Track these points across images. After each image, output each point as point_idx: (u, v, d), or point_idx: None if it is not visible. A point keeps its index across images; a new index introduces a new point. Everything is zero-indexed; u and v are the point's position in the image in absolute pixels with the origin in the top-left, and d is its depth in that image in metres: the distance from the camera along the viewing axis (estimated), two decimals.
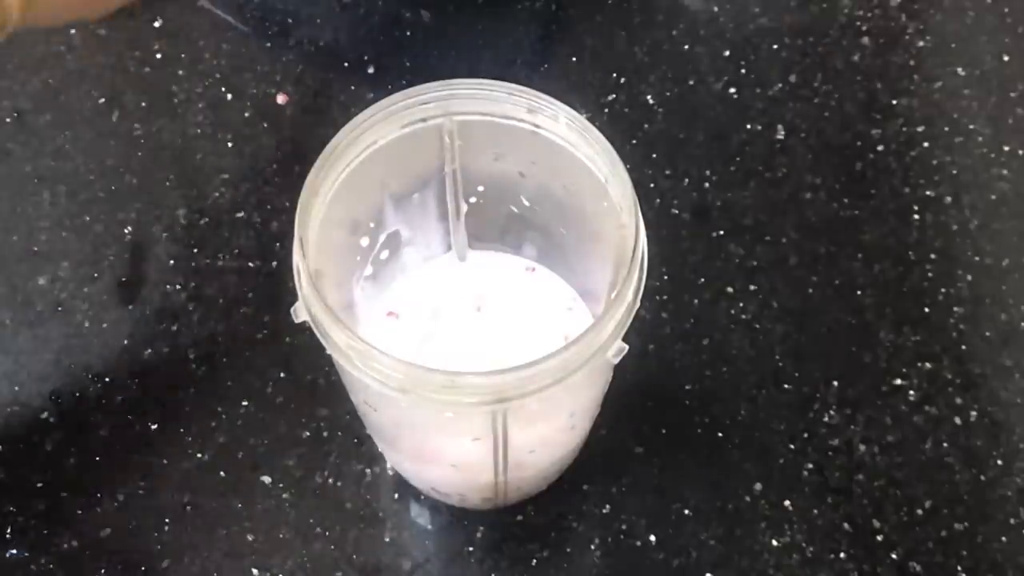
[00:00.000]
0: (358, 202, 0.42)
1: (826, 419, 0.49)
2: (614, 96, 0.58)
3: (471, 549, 0.47)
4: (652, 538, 0.47)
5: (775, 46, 0.60)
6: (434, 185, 0.44)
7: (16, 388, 0.50)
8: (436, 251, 0.47)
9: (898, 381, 0.50)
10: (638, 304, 0.37)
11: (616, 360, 0.37)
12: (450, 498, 0.47)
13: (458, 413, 0.37)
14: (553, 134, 0.40)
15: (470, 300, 0.46)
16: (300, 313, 0.37)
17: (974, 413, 0.49)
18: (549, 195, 0.43)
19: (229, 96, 0.58)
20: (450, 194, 0.44)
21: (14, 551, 0.46)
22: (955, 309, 0.52)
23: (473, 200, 0.45)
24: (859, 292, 0.53)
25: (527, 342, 0.44)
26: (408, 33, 0.60)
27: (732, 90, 0.58)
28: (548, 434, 0.42)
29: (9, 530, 0.47)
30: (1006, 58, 0.60)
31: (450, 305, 0.46)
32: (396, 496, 0.48)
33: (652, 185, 0.55)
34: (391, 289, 0.47)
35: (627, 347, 0.37)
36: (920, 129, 0.57)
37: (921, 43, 0.60)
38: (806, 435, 0.49)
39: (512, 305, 0.46)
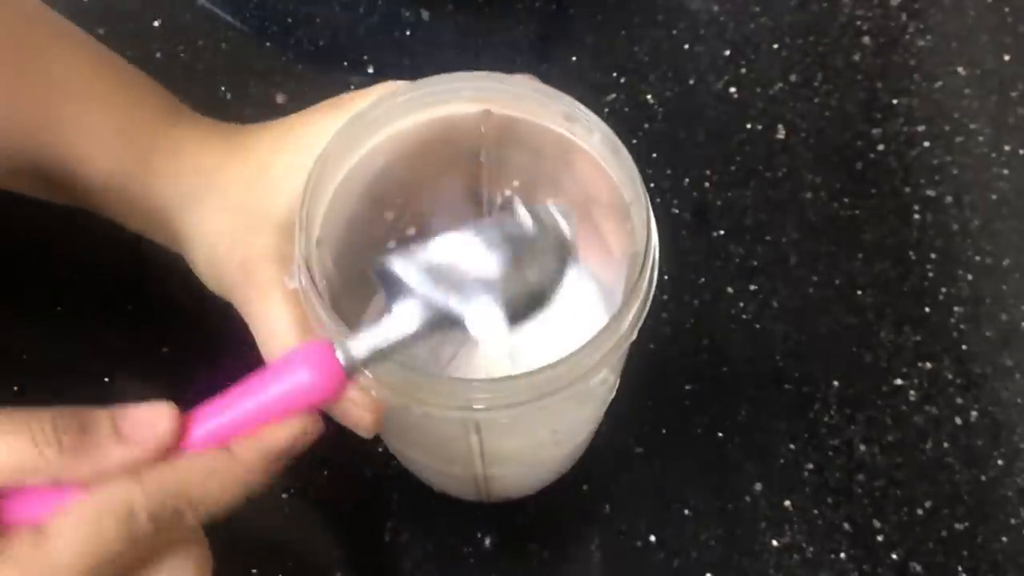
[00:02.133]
0: (384, 177, 0.41)
1: (826, 419, 0.49)
2: (614, 96, 0.58)
3: (471, 549, 0.47)
4: (652, 538, 0.47)
5: (775, 46, 0.60)
6: (468, 172, 0.43)
7: (15, 388, 0.50)
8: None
9: (898, 381, 0.50)
10: (634, 337, 0.36)
11: (600, 388, 0.36)
12: (434, 485, 0.46)
13: (429, 415, 0.36)
14: (588, 146, 0.39)
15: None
16: (292, 280, 0.37)
17: (975, 413, 0.49)
18: (579, 206, 0.42)
19: (229, 96, 0.58)
20: (484, 184, 0.43)
21: None
22: (955, 309, 0.52)
23: (508, 193, 0.44)
24: (859, 292, 0.53)
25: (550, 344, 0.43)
26: (408, 33, 0.60)
27: (732, 90, 0.58)
28: (528, 448, 0.41)
29: None
30: (1007, 58, 0.60)
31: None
32: (396, 496, 0.48)
33: (652, 185, 0.55)
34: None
35: (612, 377, 0.36)
36: (920, 129, 0.57)
37: (921, 43, 0.60)
38: (806, 435, 0.49)
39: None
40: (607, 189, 0.39)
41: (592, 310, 0.45)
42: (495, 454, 0.40)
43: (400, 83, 0.40)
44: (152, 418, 0.31)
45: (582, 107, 0.38)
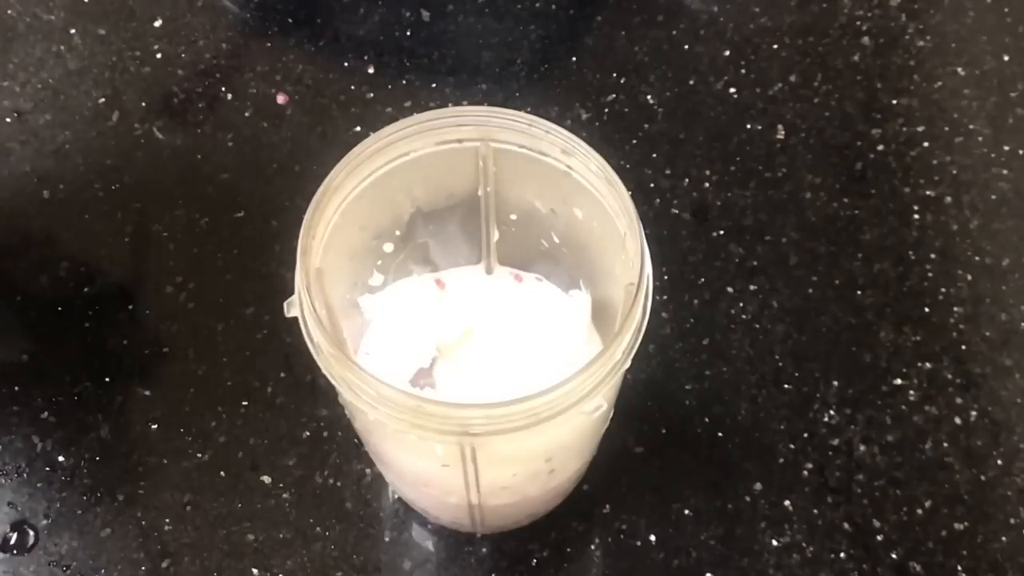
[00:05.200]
0: (384, 208, 0.42)
1: (826, 419, 0.49)
2: (614, 96, 0.58)
3: (471, 549, 0.47)
4: (652, 538, 0.47)
5: (775, 46, 0.60)
6: (467, 206, 0.44)
7: (16, 388, 0.50)
8: (464, 269, 0.47)
9: (898, 381, 0.50)
10: (628, 364, 0.36)
11: (594, 415, 0.36)
12: (429, 516, 0.46)
13: (423, 439, 0.36)
14: (584, 179, 0.39)
15: (492, 320, 0.46)
16: (292, 308, 0.37)
17: (974, 413, 0.49)
18: (576, 237, 0.43)
19: (229, 96, 0.58)
20: (483, 217, 0.44)
21: (14, 551, 0.46)
22: (955, 309, 0.52)
23: (505, 228, 0.45)
24: (859, 292, 0.53)
25: (538, 371, 0.44)
26: (408, 33, 0.60)
27: (732, 90, 0.59)
28: (522, 474, 0.41)
29: (10, 530, 0.47)
30: (1006, 58, 0.60)
31: (471, 321, 0.46)
32: (396, 496, 0.48)
33: (652, 185, 0.55)
34: (413, 297, 0.46)
35: (605, 405, 0.36)
36: (920, 129, 0.57)
37: (921, 43, 0.60)
38: (806, 435, 0.49)
39: (530, 330, 0.46)
40: (602, 220, 0.39)
41: (583, 339, 0.45)
42: (491, 484, 0.40)
43: None
44: None
45: (578, 140, 0.39)
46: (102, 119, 0.57)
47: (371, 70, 0.59)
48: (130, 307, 0.52)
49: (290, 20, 0.61)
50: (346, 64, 0.59)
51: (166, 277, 0.53)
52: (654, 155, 0.56)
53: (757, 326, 0.52)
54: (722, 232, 0.54)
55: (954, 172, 0.56)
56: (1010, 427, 0.49)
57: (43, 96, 0.58)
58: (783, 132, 0.57)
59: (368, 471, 0.48)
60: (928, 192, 0.55)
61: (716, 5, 0.61)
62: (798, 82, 0.59)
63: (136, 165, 0.56)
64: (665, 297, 0.52)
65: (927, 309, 0.52)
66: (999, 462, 0.48)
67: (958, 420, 0.49)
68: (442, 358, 0.44)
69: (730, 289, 0.52)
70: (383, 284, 0.45)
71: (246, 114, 0.58)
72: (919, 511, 0.47)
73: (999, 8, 0.61)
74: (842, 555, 0.46)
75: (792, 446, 0.49)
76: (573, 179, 0.40)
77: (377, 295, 0.45)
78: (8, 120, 0.57)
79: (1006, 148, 0.57)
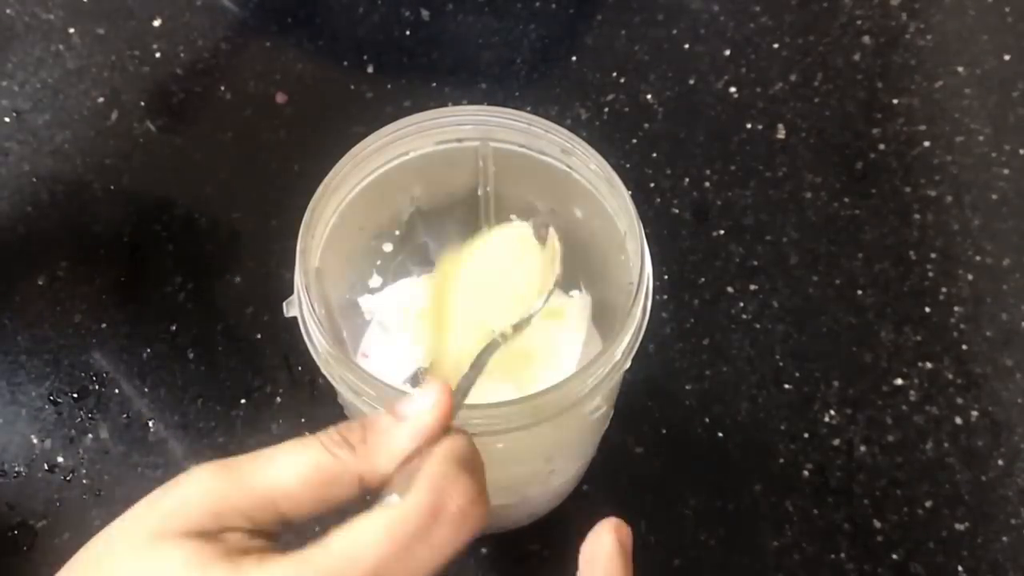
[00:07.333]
0: (383, 208, 0.42)
1: (826, 419, 0.49)
2: (614, 96, 0.58)
3: (471, 548, 0.47)
4: (652, 538, 0.47)
5: (775, 45, 0.60)
6: (467, 206, 0.44)
7: (16, 387, 0.50)
8: None
9: (898, 381, 0.50)
10: (628, 364, 0.36)
11: (594, 416, 0.36)
12: None
13: None
14: (583, 178, 0.39)
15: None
16: (292, 308, 0.37)
17: (975, 413, 0.49)
18: (576, 237, 0.43)
19: (229, 96, 0.58)
20: (483, 217, 0.44)
21: (13, 551, 0.46)
22: (956, 309, 0.52)
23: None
24: (859, 292, 0.53)
25: (538, 372, 0.43)
26: (408, 33, 0.60)
27: (732, 89, 0.58)
28: (523, 474, 0.41)
29: (9, 530, 0.47)
30: (1007, 57, 0.60)
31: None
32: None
33: (652, 185, 0.55)
34: (413, 297, 0.46)
35: (605, 405, 0.36)
36: (921, 128, 0.57)
37: (922, 42, 0.60)
38: (806, 435, 0.49)
39: (530, 330, 0.45)
40: (602, 220, 0.39)
41: (582, 339, 0.45)
42: (491, 484, 0.40)
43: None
44: (425, 394, 0.31)
45: (578, 140, 0.39)
46: (101, 118, 0.57)
47: (371, 70, 0.59)
48: (130, 307, 0.52)
49: (289, 20, 0.61)
50: (346, 64, 0.59)
51: (166, 277, 0.53)
52: (654, 155, 0.56)
53: (757, 326, 0.51)
54: (722, 232, 0.54)
55: (955, 172, 0.56)
56: (1011, 427, 0.49)
57: (42, 96, 0.58)
58: (783, 131, 0.57)
59: None
60: (929, 192, 0.55)
61: (716, 5, 0.61)
62: (799, 81, 0.59)
63: (135, 165, 0.56)
64: (665, 297, 0.52)
65: (928, 309, 0.52)
66: (1000, 462, 0.48)
67: (959, 420, 0.49)
68: None
69: (730, 289, 0.52)
70: (382, 284, 0.45)
71: (245, 113, 0.58)
72: (919, 511, 0.47)
73: (1000, 7, 0.61)
74: (842, 555, 0.46)
75: (792, 446, 0.49)
76: (573, 179, 0.40)
77: (377, 295, 0.45)
78: (7, 120, 0.57)
79: (1007, 148, 0.57)
